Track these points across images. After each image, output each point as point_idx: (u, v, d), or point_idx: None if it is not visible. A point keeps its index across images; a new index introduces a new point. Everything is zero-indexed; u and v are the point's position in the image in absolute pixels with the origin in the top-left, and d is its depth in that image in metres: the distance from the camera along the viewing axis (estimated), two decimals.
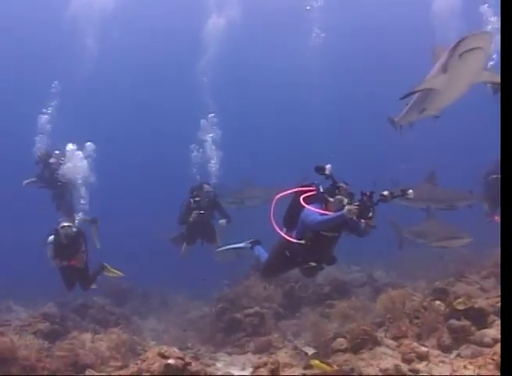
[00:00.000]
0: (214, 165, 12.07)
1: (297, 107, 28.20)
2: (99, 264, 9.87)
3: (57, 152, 11.29)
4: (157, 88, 29.24)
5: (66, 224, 8.92)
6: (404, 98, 8.28)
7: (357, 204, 5.91)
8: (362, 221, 6.03)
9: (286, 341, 9.50)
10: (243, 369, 8.43)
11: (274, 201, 6.71)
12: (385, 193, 5.95)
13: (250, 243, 8.43)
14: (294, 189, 6.66)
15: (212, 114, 13.07)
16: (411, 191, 6.04)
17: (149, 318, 13.05)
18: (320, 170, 6.34)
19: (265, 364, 6.22)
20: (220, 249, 9.81)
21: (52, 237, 8.99)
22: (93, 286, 9.79)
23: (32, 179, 11.56)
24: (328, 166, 6.35)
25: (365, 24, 27.71)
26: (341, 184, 6.32)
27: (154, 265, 15.23)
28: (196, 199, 10.25)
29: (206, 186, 10.36)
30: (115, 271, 9.98)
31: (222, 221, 10.56)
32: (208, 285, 13.22)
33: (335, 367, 6.31)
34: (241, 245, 8.72)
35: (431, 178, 11.39)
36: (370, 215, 5.94)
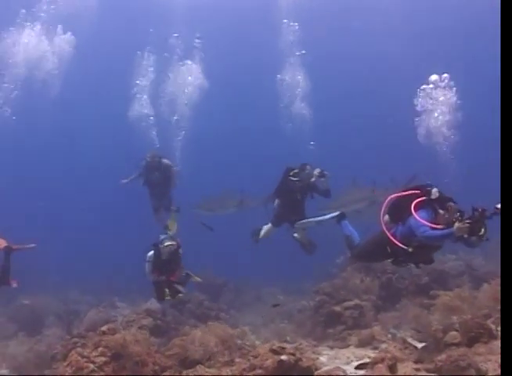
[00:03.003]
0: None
1: None
2: (185, 274, 10.01)
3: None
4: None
5: (169, 243, 8.95)
6: None
7: (468, 221, 5.65)
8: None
9: (388, 334, 9.34)
10: (348, 363, 8.29)
11: (385, 202, 6.63)
12: (499, 206, 5.44)
13: (335, 217, 8.31)
14: (409, 192, 6.50)
15: None
16: None
17: (245, 312, 13.21)
18: (426, 194, 6.19)
19: (383, 360, 6.11)
20: (302, 221, 9.54)
21: (151, 253, 9.08)
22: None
23: (131, 177, 11.90)
24: (434, 190, 6.16)
25: None
26: (450, 204, 6.10)
27: (247, 259, 15.37)
28: (295, 178, 9.65)
29: (308, 168, 9.70)
30: (197, 278, 10.05)
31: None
32: (301, 278, 13.25)
33: None
34: (326, 217, 8.57)
35: (354, 183, 12.41)
36: (482, 232, 5.67)
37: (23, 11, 14.71)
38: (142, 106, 13.56)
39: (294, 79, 15.16)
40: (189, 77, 14.24)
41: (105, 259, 17.75)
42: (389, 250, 6.77)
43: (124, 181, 11.85)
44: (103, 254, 18.85)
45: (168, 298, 9.25)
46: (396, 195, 6.66)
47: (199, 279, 10.15)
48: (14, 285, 8.96)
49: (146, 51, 14.73)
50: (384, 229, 6.69)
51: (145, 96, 13.76)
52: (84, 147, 26.31)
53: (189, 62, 14.42)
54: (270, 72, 15.83)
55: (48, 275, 14.91)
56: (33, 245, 9.22)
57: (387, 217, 6.81)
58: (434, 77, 11.26)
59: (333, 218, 8.32)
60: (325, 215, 8.71)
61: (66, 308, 13.34)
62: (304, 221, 9.50)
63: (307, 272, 13.30)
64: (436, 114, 11.32)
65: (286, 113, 14.85)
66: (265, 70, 17.83)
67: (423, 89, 11.23)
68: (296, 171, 9.70)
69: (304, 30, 16.20)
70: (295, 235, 10.06)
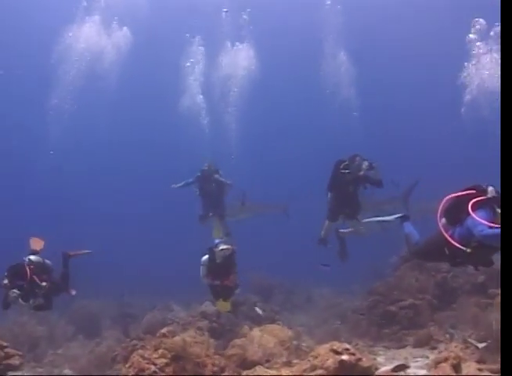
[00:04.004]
0: None
1: None
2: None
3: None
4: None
5: (224, 247, 9.11)
6: None
7: None
8: None
9: (446, 334, 9.21)
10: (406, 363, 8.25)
11: (443, 203, 6.53)
12: None
13: (399, 218, 8.16)
14: (466, 193, 6.39)
15: None
16: None
17: (297, 313, 13.22)
18: (482, 191, 6.09)
19: (446, 359, 6.04)
20: (367, 220, 9.49)
21: (206, 257, 9.23)
22: None
23: (181, 184, 12.25)
24: (491, 189, 6.06)
25: None
26: None
27: (300, 260, 15.39)
28: (346, 171, 9.76)
29: (358, 159, 9.81)
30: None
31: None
32: (352, 279, 13.18)
33: None
34: (389, 219, 8.48)
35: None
36: None
37: (85, 4, 15.31)
38: (193, 94, 13.88)
39: (337, 62, 15.16)
40: (240, 60, 14.44)
41: (159, 263, 18.12)
42: (447, 251, 6.67)
43: (175, 186, 12.14)
44: (157, 259, 19.25)
45: (228, 310, 9.62)
46: (452, 196, 6.54)
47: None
48: (73, 293, 9.32)
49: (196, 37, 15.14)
50: (442, 230, 6.59)
51: (196, 83, 14.03)
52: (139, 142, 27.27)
53: (239, 44, 14.59)
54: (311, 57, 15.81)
55: (103, 279, 15.28)
56: (89, 251, 9.55)
57: (444, 219, 6.71)
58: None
59: (396, 219, 8.24)
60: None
61: (122, 311, 13.65)
62: (366, 220, 9.42)
63: (356, 273, 13.21)
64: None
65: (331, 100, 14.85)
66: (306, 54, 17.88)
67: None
68: (346, 163, 9.81)
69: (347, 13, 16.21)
70: (341, 230, 10.12)
